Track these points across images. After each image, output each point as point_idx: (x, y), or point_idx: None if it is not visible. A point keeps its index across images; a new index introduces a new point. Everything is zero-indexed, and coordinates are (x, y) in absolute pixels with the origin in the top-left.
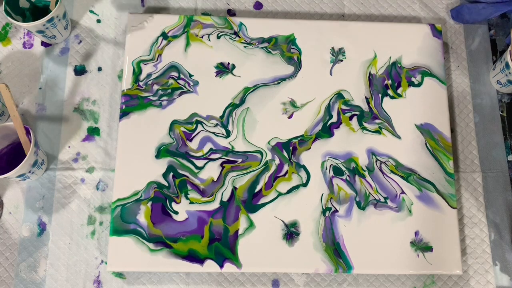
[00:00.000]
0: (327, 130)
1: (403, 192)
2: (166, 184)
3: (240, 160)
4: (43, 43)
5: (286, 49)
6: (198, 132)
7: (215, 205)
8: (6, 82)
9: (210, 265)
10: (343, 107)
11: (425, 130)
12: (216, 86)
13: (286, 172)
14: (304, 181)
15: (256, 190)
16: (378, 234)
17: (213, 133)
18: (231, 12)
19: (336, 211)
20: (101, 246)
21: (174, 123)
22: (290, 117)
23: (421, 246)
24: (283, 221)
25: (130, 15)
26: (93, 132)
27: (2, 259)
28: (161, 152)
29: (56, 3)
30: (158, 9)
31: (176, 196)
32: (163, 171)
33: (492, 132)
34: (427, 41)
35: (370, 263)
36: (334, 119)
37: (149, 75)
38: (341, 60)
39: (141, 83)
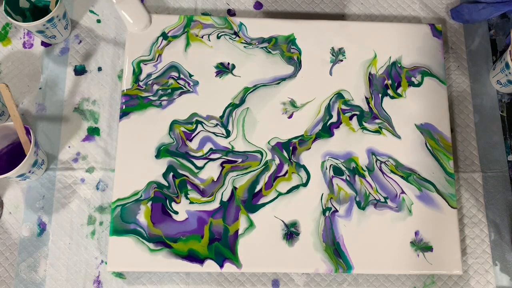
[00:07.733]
0: (327, 130)
1: (403, 192)
2: (166, 184)
3: (240, 160)
4: (43, 43)
5: (286, 49)
6: (198, 132)
7: (215, 205)
8: (6, 82)
9: (210, 265)
10: (343, 107)
11: (425, 130)
12: (216, 86)
13: (286, 172)
14: (304, 181)
15: (256, 190)
16: (378, 234)
17: (213, 133)
18: (231, 12)
19: (336, 211)
20: (101, 246)
21: (174, 123)
22: (290, 117)
23: (421, 246)
24: (283, 221)
25: None
26: (93, 132)
27: (2, 259)
28: (161, 152)
29: (56, 3)
30: (158, 9)
31: (176, 196)
32: (163, 171)
33: (492, 132)
34: (427, 41)
35: (370, 263)
36: (334, 119)
37: (149, 75)
38: (341, 60)
39: (141, 83)
